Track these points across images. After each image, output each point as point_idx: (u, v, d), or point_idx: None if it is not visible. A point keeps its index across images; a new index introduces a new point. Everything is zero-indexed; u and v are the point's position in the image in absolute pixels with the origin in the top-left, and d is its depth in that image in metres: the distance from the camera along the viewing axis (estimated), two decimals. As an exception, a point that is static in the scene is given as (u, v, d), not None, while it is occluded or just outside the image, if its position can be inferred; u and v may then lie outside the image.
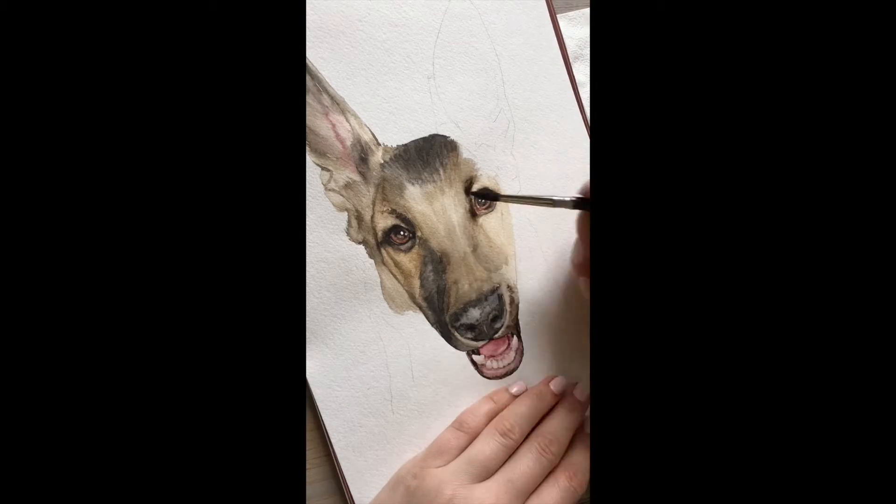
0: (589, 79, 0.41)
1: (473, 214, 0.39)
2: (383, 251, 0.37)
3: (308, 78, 0.35)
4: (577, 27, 0.42)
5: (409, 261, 0.38)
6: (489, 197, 0.39)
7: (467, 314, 0.38)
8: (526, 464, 0.35)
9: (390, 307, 0.38)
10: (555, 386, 0.39)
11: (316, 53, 0.35)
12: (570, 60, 0.41)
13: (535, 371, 0.40)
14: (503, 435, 0.36)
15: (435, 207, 0.38)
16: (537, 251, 0.40)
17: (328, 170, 0.36)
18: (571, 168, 0.40)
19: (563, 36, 0.41)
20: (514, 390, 0.39)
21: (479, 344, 0.39)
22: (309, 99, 0.35)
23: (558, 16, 0.41)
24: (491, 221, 0.39)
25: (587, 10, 0.42)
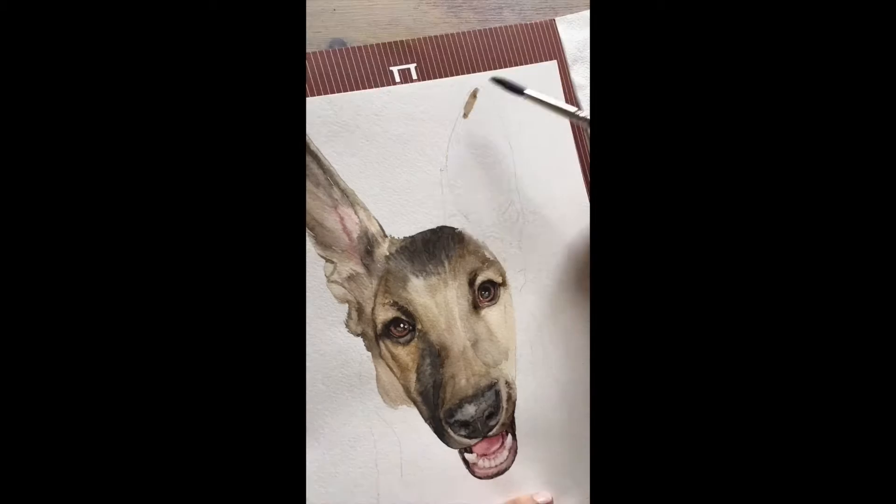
0: (589, 81, 0.41)
1: (476, 306, 0.38)
2: (382, 344, 0.36)
3: (320, 171, 0.34)
4: (577, 30, 0.41)
5: (406, 354, 0.37)
6: (511, 87, 0.37)
7: (462, 410, 0.37)
8: None
9: (384, 401, 0.37)
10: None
11: (330, 148, 0.34)
12: (570, 63, 0.41)
13: (527, 471, 0.39)
14: None
15: (437, 300, 0.37)
16: (538, 345, 0.39)
17: (332, 262, 0.35)
18: (580, 259, 0.40)
19: (563, 39, 0.41)
20: (540, 500, 0.38)
21: (473, 442, 0.38)
22: (319, 192, 0.34)
23: (557, 18, 0.41)
24: (493, 314, 0.38)
25: (587, 13, 0.42)
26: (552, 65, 0.40)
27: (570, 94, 0.41)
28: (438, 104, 0.36)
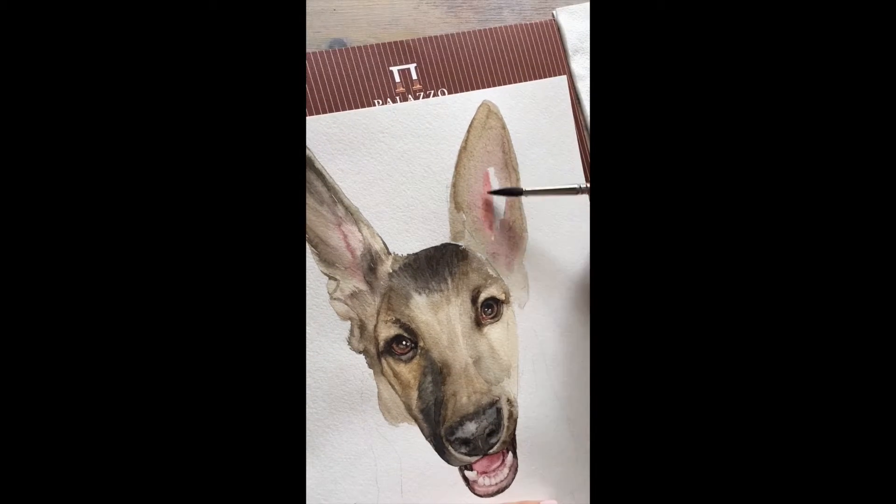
0: (588, 72, 0.41)
1: (478, 324, 0.38)
2: (383, 361, 0.36)
3: (324, 189, 0.34)
4: (578, 20, 0.41)
5: (408, 371, 0.36)
6: (512, 193, 0.37)
7: (463, 428, 0.37)
8: None
9: (385, 418, 0.36)
10: None
11: (335, 166, 0.34)
12: (570, 53, 0.40)
13: (527, 489, 0.39)
14: None
15: (440, 317, 0.36)
16: (540, 363, 0.39)
17: (335, 279, 0.35)
18: (584, 275, 0.39)
19: (564, 29, 0.40)
20: None
21: (473, 459, 0.38)
22: (323, 210, 0.34)
23: (558, 9, 0.41)
24: (496, 331, 0.38)
25: (587, 5, 0.41)
26: (562, 80, 0.39)
27: (576, 109, 0.40)
28: (444, 121, 0.36)
